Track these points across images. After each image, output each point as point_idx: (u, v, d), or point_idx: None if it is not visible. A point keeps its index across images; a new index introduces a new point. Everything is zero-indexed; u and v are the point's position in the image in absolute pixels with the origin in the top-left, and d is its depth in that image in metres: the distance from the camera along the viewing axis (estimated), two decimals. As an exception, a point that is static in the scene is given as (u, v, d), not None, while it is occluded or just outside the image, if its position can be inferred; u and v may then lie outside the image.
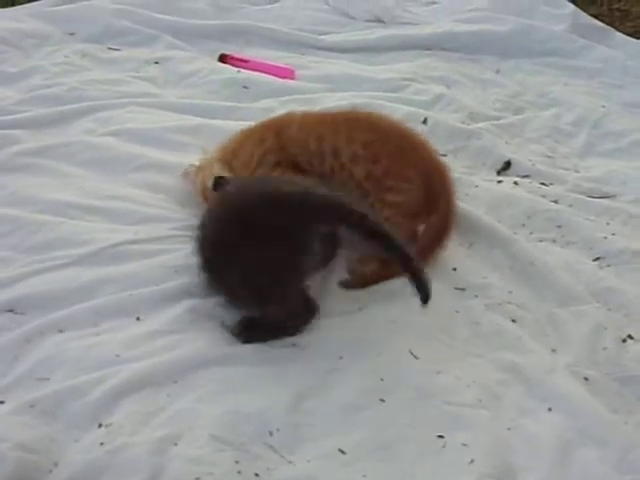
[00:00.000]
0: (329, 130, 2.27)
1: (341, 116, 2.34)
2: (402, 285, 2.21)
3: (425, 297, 1.96)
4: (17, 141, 2.69)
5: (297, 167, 2.28)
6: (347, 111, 2.43)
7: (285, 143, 2.31)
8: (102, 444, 1.73)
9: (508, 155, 2.86)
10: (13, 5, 3.91)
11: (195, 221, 2.06)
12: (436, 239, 2.26)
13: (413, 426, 1.84)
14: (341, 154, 2.23)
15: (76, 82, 3.07)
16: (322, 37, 3.73)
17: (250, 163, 2.32)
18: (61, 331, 2.01)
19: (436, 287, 2.23)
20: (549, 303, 2.24)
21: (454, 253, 2.37)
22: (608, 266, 2.40)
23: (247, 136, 2.40)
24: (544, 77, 3.62)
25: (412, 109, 3.07)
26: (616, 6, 4.44)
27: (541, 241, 2.46)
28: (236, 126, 2.48)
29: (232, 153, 2.37)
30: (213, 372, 1.93)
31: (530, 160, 2.89)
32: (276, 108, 2.93)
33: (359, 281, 2.23)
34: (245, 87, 3.17)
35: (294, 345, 2.02)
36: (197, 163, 2.45)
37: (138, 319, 2.07)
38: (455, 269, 2.32)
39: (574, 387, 1.96)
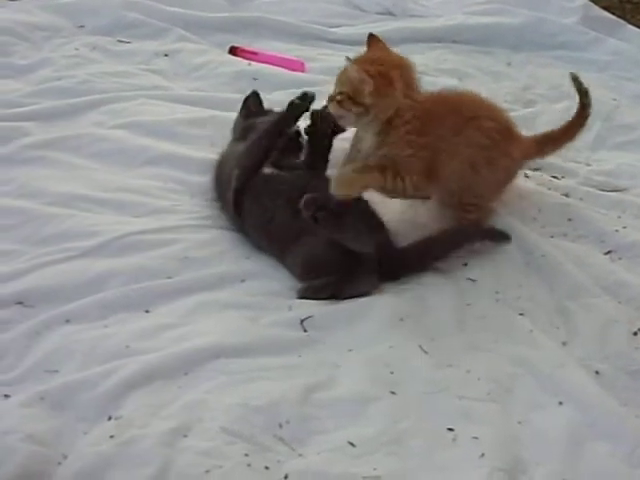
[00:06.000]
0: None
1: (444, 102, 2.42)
2: (411, 280, 2.23)
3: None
4: (27, 133, 2.69)
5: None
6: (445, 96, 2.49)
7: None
8: (112, 437, 1.73)
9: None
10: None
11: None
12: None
13: (423, 419, 1.85)
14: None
15: (86, 74, 3.06)
16: (333, 30, 3.70)
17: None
18: (70, 323, 2.02)
19: (446, 281, 2.24)
20: (560, 296, 2.24)
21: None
22: (619, 259, 2.39)
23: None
24: (555, 70, 3.59)
25: (423, 102, 3.05)
26: (627, -1, 4.42)
27: (552, 236, 2.44)
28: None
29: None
30: (223, 364, 1.93)
31: (541, 153, 2.87)
32: (286, 101, 2.92)
33: None
34: (255, 79, 3.16)
35: (306, 332, 2.04)
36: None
37: (147, 311, 2.07)
38: (466, 264, 2.30)
39: (585, 381, 1.95)
